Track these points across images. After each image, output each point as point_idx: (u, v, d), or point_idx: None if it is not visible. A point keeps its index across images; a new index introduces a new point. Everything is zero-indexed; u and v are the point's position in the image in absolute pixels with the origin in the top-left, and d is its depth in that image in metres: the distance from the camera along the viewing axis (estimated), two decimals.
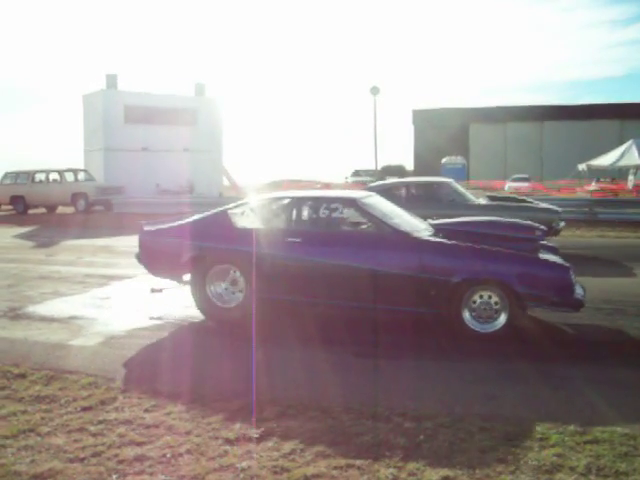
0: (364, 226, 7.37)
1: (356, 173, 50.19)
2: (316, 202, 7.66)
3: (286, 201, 7.71)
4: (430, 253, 6.83)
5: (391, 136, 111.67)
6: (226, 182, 34.17)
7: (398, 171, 63.25)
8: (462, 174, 39.10)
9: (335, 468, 3.80)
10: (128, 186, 26.24)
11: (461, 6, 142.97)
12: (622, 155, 35.29)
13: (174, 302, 8.40)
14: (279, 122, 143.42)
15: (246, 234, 7.41)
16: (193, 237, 7.62)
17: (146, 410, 4.74)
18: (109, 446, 4.15)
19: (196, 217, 7.99)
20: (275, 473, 3.76)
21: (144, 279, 9.36)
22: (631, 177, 35.20)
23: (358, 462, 3.87)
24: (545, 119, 61.55)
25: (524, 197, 17.03)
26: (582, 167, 37.30)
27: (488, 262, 6.71)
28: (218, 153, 31.51)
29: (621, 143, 39.20)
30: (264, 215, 7.75)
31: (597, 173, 38.28)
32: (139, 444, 4.18)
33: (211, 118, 30.65)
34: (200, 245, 7.54)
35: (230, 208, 7.80)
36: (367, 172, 46.71)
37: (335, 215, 7.54)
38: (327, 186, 48.41)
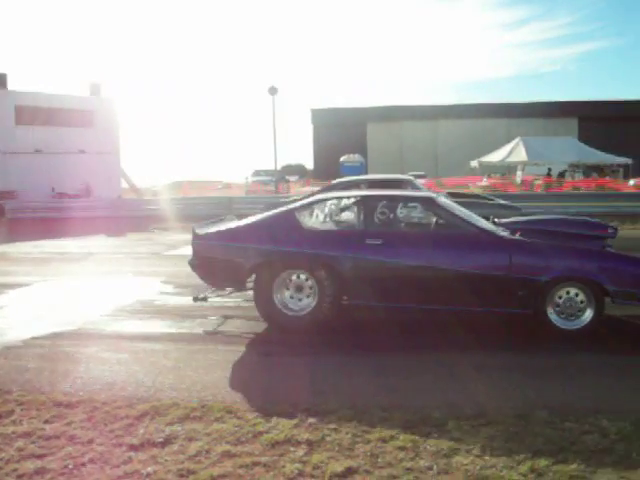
0: (439, 225, 7.10)
1: (256, 173, 50.09)
2: (391, 201, 7.44)
3: (358, 200, 7.25)
4: (519, 253, 6.73)
5: (291, 135, 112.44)
6: (125, 184, 33.43)
7: (298, 170, 63.63)
8: (360, 172, 39.61)
9: (241, 467, 3.83)
10: (21, 190, 25.23)
11: (358, 7, 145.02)
12: (510, 152, 36.84)
13: (75, 310, 8.20)
14: (179, 123, 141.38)
15: (319, 236, 7.08)
16: (258, 240, 7.05)
17: (46, 421, 4.61)
18: (7, 461, 4.00)
19: (257, 218, 7.47)
20: (181, 476, 3.75)
21: (41, 286, 9.08)
22: (519, 173, 36.70)
23: (264, 459, 3.91)
24: (439, 118, 63.27)
25: (485, 194, 17.50)
26: (474, 164, 38.64)
27: (577, 260, 6.73)
28: (116, 155, 30.77)
29: (509, 141, 40.85)
30: (335, 215, 7.47)
31: (488, 169, 39.71)
32: (39, 457, 4.05)
33: (108, 119, 29.89)
34: (268, 249, 6.99)
35: (297, 208, 7.31)
36: (267, 172, 46.67)
37: (413, 214, 7.35)
38: (229, 186, 48.14)
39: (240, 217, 8.07)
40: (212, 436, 4.26)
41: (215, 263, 7.19)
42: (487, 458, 3.89)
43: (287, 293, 6.95)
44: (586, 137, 49.37)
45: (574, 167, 38.21)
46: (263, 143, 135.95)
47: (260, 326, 7.18)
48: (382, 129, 64.35)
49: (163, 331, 7.17)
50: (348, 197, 7.53)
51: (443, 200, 7.34)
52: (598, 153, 38.83)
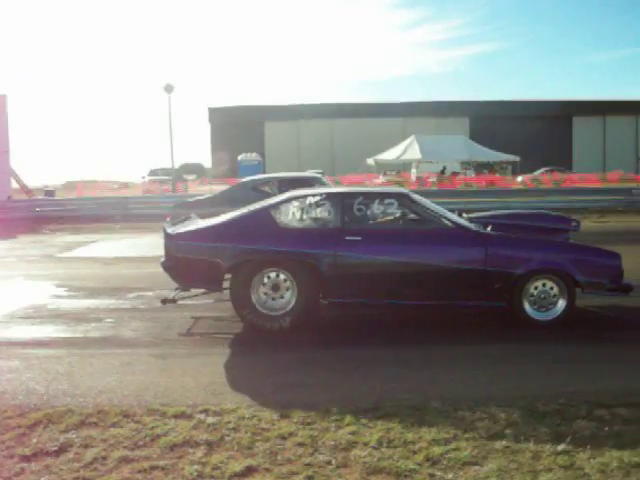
0: (416, 221, 7.08)
1: (153, 172, 49.14)
2: (366, 198, 7.26)
3: (334, 197, 7.17)
4: (495, 246, 6.85)
5: (188, 134, 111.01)
6: (15, 184, 32.05)
7: (196, 169, 62.73)
8: (258, 171, 39.56)
9: (139, 472, 3.77)
10: None
11: (258, 4, 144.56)
12: (405, 150, 37.73)
13: None
14: (72, 121, 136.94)
15: (297, 234, 6.98)
16: (235, 239, 6.86)
17: None
18: None
19: (230, 216, 7.25)
20: None
21: None
22: (414, 170, 37.65)
23: (162, 463, 3.86)
24: (336, 117, 63.97)
25: None
26: (370, 162, 39.32)
27: (550, 253, 6.98)
28: (4, 154, 29.44)
29: (404, 139, 41.84)
30: (311, 213, 7.21)
31: (384, 167, 40.50)
32: None
33: None
34: (245, 248, 6.82)
35: (272, 206, 7.18)
36: (164, 171, 45.86)
37: (388, 211, 7.21)
38: (125, 186, 47.07)
39: (204, 216, 7.88)
40: (108, 442, 4.17)
41: (190, 263, 6.93)
42: (384, 450, 3.98)
43: (263, 292, 6.84)
44: (477, 136, 51.20)
45: (466, 165, 39.51)
46: (160, 142, 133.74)
47: (158, 327, 7.08)
48: (280, 127, 64.50)
49: (57, 336, 6.93)
50: (324, 194, 7.37)
51: (417, 196, 7.40)
52: (488, 151, 40.32)
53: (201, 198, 14.66)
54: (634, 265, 10.88)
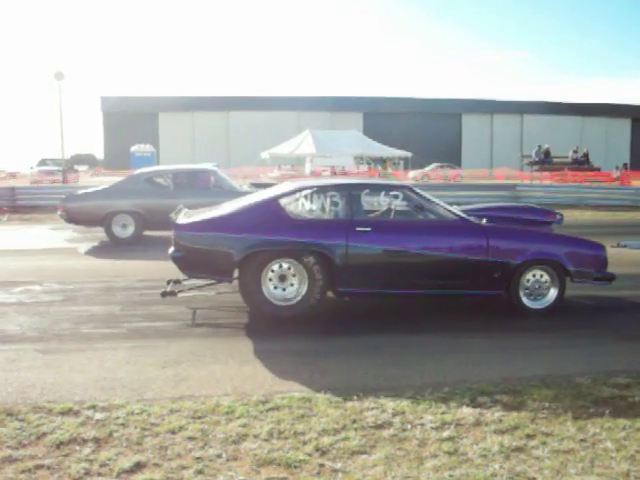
0: (420, 213, 7.34)
1: (42, 162, 47.28)
2: (373, 189, 7.60)
3: (344, 189, 7.32)
4: (495, 238, 7.16)
5: (80, 124, 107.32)
6: None
7: (88, 160, 60.94)
8: (151, 163, 38.75)
9: (23, 472, 3.63)
10: None
11: None
12: (300, 144, 37.92)
13: None
14: None
15: (307, 224, 7.03)
16: (246, 230, 6.80)
17: None
18: None
19: (236, 207, 7.17)
20: None
21: None
22: (308, 164, 37.90)
23: (48, 462, 3.74)
24: (231, 109, 63.50)
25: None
26: (265, 155, 39.30)
27: (544, 244, 7.36)
28: None
29: (299, 133, 42.05)
30: (320, 203, 7.39)
31: (279, 160, 40.56)
32: None
33: None
34: (256, 238, 6.75)
35: (280, 196, 7.17)
36: (55, 161, 44.23)
37: (394, 203, 7.42)
38: (12, 176, 45.12)
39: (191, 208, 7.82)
40: None
41: (201, 254, 6.90)
42: (274, 441, 4.01)
43: (272, 283, 6.87)
44: (370, 131, 52.10)
45: (359, 159, 40.12)
46: (50, 131, 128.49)
47: (46, 322, 6.83)
48: (174, 119, 63.44)
49: None
50: (332, 186, 7.60)
51: (419, 189, 7.57)
52: (381, 146, 41.08)
53: (92, 190, 14.22)
54: None
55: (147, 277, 9.28)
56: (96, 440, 4.02)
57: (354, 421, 4.31)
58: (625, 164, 46.76)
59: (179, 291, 7.47)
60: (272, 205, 7.09)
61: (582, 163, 39.52)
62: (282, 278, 6.89)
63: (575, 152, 40.98)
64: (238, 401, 4.62)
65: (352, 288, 7.06)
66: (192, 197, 13.05)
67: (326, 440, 4.01)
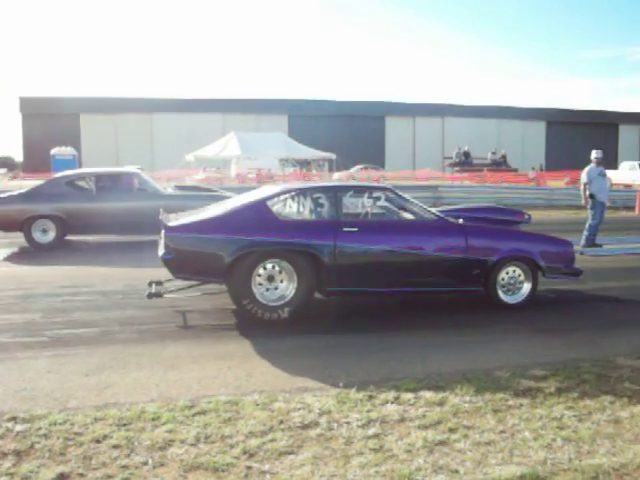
0: (402, 214, 7.72)
1: None
2: (356, 191, 7.82)
3: (328, 191, 7.58)
4: (474, 236, 7.53)
5: None
6: None
7: (6, 163, 59.10)
8: (73, 166, 37.81)
9: None
10: None
11: None
12: (225, 146, 37.72)
13: None
14: None
15: (296, 226, 7.25)
16: (235, 231, 6.88)
17: None
18: None
19: (227, 209, 7.30)
20: None
21: None
22: (234, 166, 37.74)
23: None
24: (155, 111, 62.58)
25: (210, 186, 17.48)
26: (190, 158, 38.91)
27: (519, 242, 7.81)
28: None
29: (224, 135, 41.81)
30: (307, 205, 7.60)
31: (204, 163, 40.20)
32: None
33: None
34: (247, 240, 6.83)
35: (268, 198, 7.33)
36: None
37: (377, 204, 7.70)
38: None
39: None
40: None
41: (192, 256, 6.96)
42: (202, 446, 4.00)
43: (262, 283, 6.95)
44: (295, 133, 52.20)
45: (284, 162, 40.15)
46: None
47: None
48: (96, 121, 62.03)
49: None
50: (318, 188, 7.96)
51: (399, 191, 7.88)
52: (305, 148, 41.20)
53: (11, 194, 13.79)
54: None
55: (69, 283, 9.08)
56: (17, 453, 3.92)
57: (281, 422, 4.34)
58: (541, 165, 48.35)
59: (165, 292, 7.51)
60: (260, 207, 7.20)
61: (500, 164, 40.75)
62: (271, 279, 6.98)
63: (493, 154, 42.17)
64: (164, 407, 4.58)
65: (340, 287, 7.24)
66: (115, 200, 12.87)
67: (253, 442, 4.03)
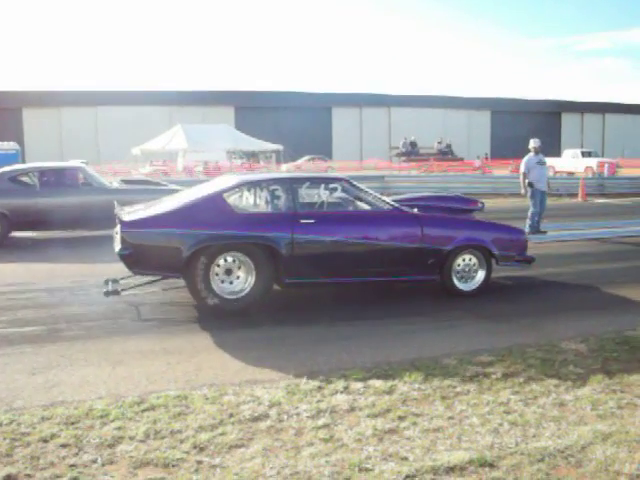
0: (358, 204, 7.86)
1: None
2: (312, 183, 7.85)
3: (284, 182, 7.59)
4: (429, 226, 7.66)
5: None
6: None
7: None
8: (16, 161, 36.93)
9: None
10: None
11: None
12: (171, 139, 37.33)
13: None
14: None
15: (253, 218, 7.35)
16: (192, 225, 6.87)
17: None
18: None
19: (183, 202, 7.28)
20: None
21: None
22: (180, 159, 37.39)
23: None
24: (99, 104, 61.45)
25: (158, 180, 17.24)
26: (136, 151, 38.38)
27: (473, 231, 8.00)
28: None
29: (170, 128, 41.36)
30: (262, 198, 7.69)
31: (150, 156, 39.70)
32: None
33: None
34: (204, 234, 6.83)
35: (224, 191, 7.33)
36: None
37: (333, 195, 7.78)
38: None
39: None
40: None
41: (149, 251, 6.91)
42: (151, 442, 3.97)
43: (219, 277, 6.97)
44: (242, 125, 51.97)
45: (231, 153, 39.92)
46: None
47: None
48: (40, 115, 60.63)
49: None
50: (273, 180, 7.87)
51: (355, 182, 7.98)
52: (252, 140, 41.03)
53: None
54: None
55: (14, 281, 8.89)
56: None
57: (231, 415, 4.34)
58: (486, 154, 49.10)
59: (122, 289, 7.39)
60: (217, 200, 7.20)
61: (446, 154, 41.26)
62: (229, 272, 7.02)
63: (440, 143, 42.63)
64: (112, 404, 4.53)
65: (298, 279, 7.30)
66: (60, 195, 12.63)
67: (203, 436, 4.02)
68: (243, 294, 7.02)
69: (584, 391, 4.78)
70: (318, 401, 4.59)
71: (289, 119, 63.00)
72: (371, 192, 7.92)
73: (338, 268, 7.45)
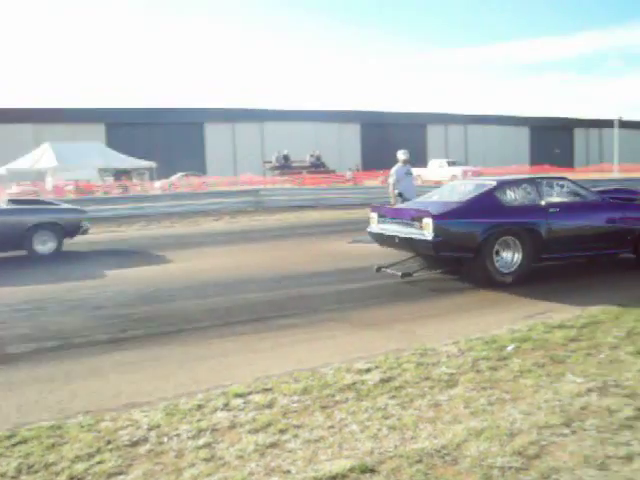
0: (580, 197, 10.06)
1: None
2: (548, 181, 10.11)
3: (530, 182, 9.94)
4: (626, 212, 10.12)
5: None
6: None
7: None
8: None
9: None
10: None
11: None
12: (40, 158, 35.95)
13: None
14: None
15: (518, 210, 9.50)
16: (483, 216, 9.13)
17: None
18: None
19: (466, 198, 9.53)
20: None
21: None
22: (49, 178, 36.02)
23: None
24: None
25: (48, 199, 16.49)
26: (2, 171, 36.69)
27: None
28: None
29: (37, 146, 39.81)
30: (519, 194, 9.70)
31: (17, 176, 38.00)
32: None
33: None
34: (492, 222, 9.05)
35: (493, 189, 9.57)
36: None
37: (562, 190, 10.00)
38: None
39: None
40: None
41: (453, 238, 9.02)
42: (24, 477, 3.79)
43: (505, 254, 9.21)
44: (115, 142, 50.73)
45: (103, 171, 38.90)
46: None
47: None
48: None
49: None
50: (524, 180, 10.25)
51: (573, 180, 10.69)
52: (124, 157, 40.17)
53: None
54: (260, 260, 11.86)
55: None
56: None
57: (109, 442, 4.21)
58: (357, 166, 50.24)
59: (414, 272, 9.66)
60: (489, 197, 9.44)
61: (318, 166, 41.87)
62: (499, 252, 9.16)
63: (312, 156, 43.22)
64: None
65: (552, 254, 9.54)
66: None
67: (80, 467, 3.87)
68: (513, 269, 9.15)
69: (457, 390, 4.96)
70: (198, 420, 4.53)
71: (162, 136, 62.08)
72: (587, 187, 10.43)
73: (579, 245, 9.72)
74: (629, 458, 3.80)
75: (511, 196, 9.69)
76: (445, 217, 9.00)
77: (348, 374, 5.39)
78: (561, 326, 6.62)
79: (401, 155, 13.71)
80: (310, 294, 8.90)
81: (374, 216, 10.36)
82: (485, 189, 9.58)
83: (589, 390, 4.85)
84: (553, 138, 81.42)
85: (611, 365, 5.42)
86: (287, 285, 9.64)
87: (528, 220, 9.25)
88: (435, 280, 9.77)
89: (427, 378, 5.25)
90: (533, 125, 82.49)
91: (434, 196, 10.56)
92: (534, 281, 9.10)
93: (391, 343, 6.41)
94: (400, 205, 11.55)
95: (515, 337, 6.26)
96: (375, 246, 10.67)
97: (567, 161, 71.26)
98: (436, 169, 40.90)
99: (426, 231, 8.86)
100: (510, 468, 3.70)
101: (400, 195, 13.42)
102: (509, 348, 5.93)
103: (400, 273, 9.56)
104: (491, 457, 3.83)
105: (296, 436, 4.23)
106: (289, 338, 6.76)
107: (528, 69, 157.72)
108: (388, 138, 65.56)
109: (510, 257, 9.15)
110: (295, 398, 4.89)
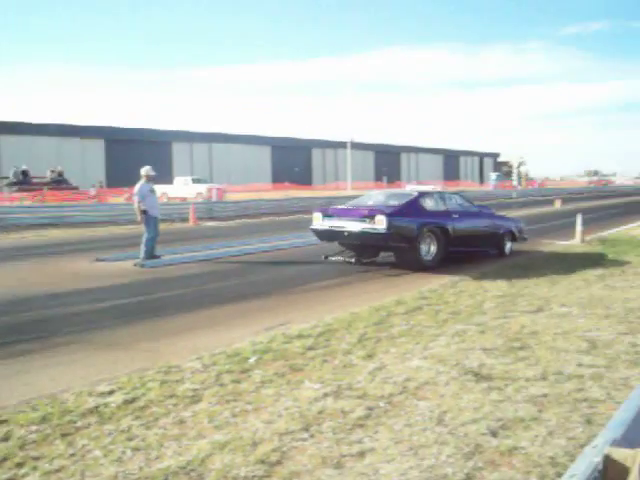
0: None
1: None
2: (448, 195, 14.04)
3: (440, 194, 13.89)
4: (494, 219, 14.46)
5: None
6: None
7: None
8: None
9: None
10: None
11: None
12: None
13: None
14: None
15: (434, 214, 12.63)
16: (413, 216, 12.17)
17: None
18: None
19: (402, 202, 12.54)
20: None
21: None
22: None
23: None
24: None
25: None
26: None
27: (504, 222, 14.99)
28: None
29: None
30: (433, 202, 12.95)
31: None
32: None
33: None
34: (419, 221, 12.06)
35: (418, 197, 12.86)
36: None
37: (457, 201, 13.75)
38: None
39: None
40: None
41: (399, 232, 11.80)
42: None
43: (426, 246, 12.33)
44: None
45: None
46: None
47: None
48: None
49: None
50: (435, 192, 14.66)
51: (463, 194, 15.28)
52: None
53: None
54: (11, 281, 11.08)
55: None
56: None
57: None
58: (101, 182, 48.71)
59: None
60: (416, 202, 12.63)
61: (60, 182, 39.96)
62: (431, 243, 12.54)
63: (53, 172, 41.14)
64: None
65: (455, 248, 12.80)
66: None
67: None
68: (430, 257, 12.29)
69: (201, 406, 5.04)
70: None
71: None
72: (470, 200, 14.51)
73: (470, 243, 13.40)
74: (362, 454, 4.15)
75: (428, 203, 12.81)
76: (394, 215, 11.70)
77: (90, 397, 5.24)
78: (299, 336, 7.02)
79: (145, 172, 13.57)
80: (51, 316, 8.50)
81: (318, 215, 12.67)
82: (412, 197, 12.83)
83: (325, 395, 5.20)
84: (293, 157, 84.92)
85: (344, 370, 5.86)
86: (26, 308, 9.08)
87: (440, 221, 12.43)
88: (183, 296, 9.82)
89: (172, 396, 5.28)
90: (274, 145, 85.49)
91: (368, 201, 13.21)
92: (278, 293, 9.47)
93: (135, 363, 6.34)
94: (344, 206, 13.35)
95: (257, 349, 6.52)
96: (123, 264, 10.45)
97: (306, 179, 74.92)
98: (181, 186, 40.91)
99: (379, 226, 11.40)
100: (254, 477, 3.85)
101: (145, 212, 13.21)
102: (251, 360, 6.16)
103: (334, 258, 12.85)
104: (235, 468, 3.96)
105: (35, 468, 4.02)
106: (27, 364, 6.39)
107: (269, 91, 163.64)
108: (134, 155, 64.35)
109: (430, 248, 12.25)
110: (34, 428, 4.64)
